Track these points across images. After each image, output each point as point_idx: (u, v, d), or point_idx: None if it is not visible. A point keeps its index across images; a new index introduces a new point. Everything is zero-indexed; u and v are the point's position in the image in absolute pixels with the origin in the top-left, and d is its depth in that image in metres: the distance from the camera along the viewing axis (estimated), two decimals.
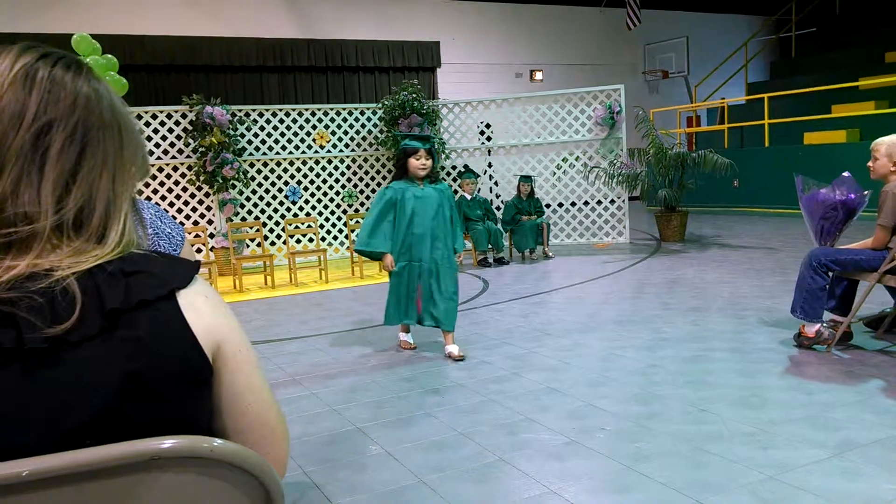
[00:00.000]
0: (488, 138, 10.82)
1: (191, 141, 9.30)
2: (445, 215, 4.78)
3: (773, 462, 2.85)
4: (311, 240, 9.94)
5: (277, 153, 9.98)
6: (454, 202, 4.83)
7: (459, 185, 9.83)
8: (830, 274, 4.42)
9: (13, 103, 0.88)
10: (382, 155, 10.61)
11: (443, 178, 10.85)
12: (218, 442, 0.88)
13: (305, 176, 10.18)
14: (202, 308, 0.94)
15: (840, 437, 3.06)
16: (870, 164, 4.41)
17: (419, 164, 4.70)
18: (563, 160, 10.36)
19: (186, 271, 0.95)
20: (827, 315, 4.53)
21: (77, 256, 0.89)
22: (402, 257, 4.75)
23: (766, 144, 13.69)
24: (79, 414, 0.84)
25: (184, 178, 9.38)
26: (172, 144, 9.35)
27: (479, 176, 9.83)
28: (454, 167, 10.83)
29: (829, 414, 3.34)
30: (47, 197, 0.88)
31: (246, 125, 9.71)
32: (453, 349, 4.71)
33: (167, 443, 0.85)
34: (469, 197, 9.14)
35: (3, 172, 0.87)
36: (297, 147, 10.11)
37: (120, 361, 0.86)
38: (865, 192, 4.51)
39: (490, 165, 10.87)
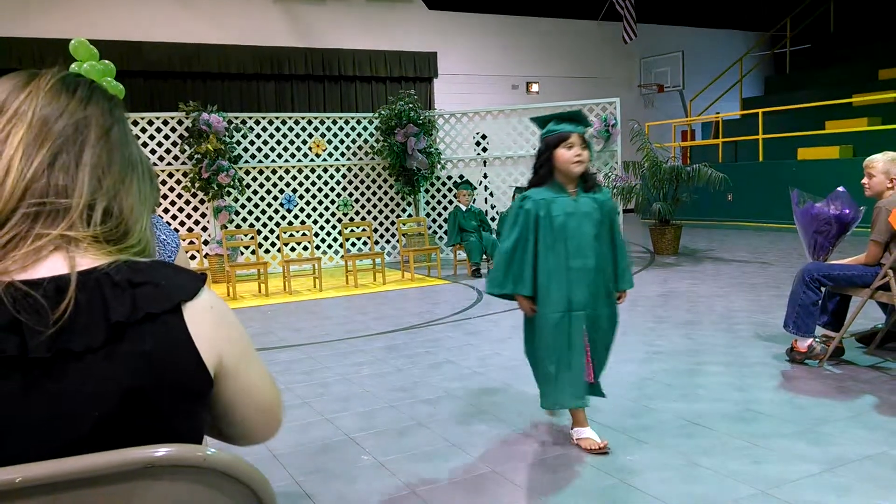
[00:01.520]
0: (484, 149, 10.85)
1: (187, 147, 9.30)
2: (607, 238, 3.24)
3: (764, 476, 2.85)
4: (305, 248, 9.93)
5: (273, 161, 9.98)
6: (618, 219, 3.31)
7: (455, 196, 9.92)
8: (823, 289, 4.44)
9: (56, 99, 0.96)
10: (378, 164, 10.62)
11: (439, 189, 10.89)
12: (211, 451, 0.88)
13: (301, 184, 10.18)
14: (207, 321, 0.94)
15: (832, 452, 3.07)
16: (864, 181, 4.42)
17: (572, 156, 3.10)
18: None
19: (193, 283, 0.95)
20: (819, 330, 4.55)
21: (95, 248, 0.92)
22: (553, 303, 3.18)
23: (760, 159, 13.75)
24: (79, 426, 0.84)
25: (179, 184, 9.37)
26: (168, 151, 9.34)
27: (475, 188, 9.89)
28: (449, 177, 10.85)
29: (821, 429, 3.34)
30: (83, 180, 0.93)
31: (242, 132, 9.71)
32: (591, 437, 3.24)
33: (160, 451, 0.85)
34: (464, 208, 9.23)
35: (43, 147, 0.92)
36: (292, 155, 10.12)
37: (123, 376, 0.86)
38: (860, 209, 4.53)
39: (485, 176, 10.89)
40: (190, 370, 0.91)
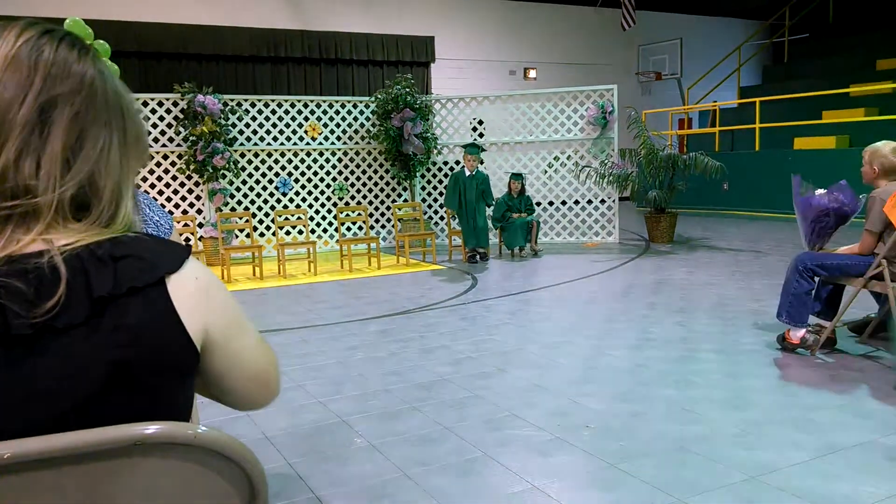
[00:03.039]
0: (480, 135, 10.82)
1: (182, 129, 9.26)
2: None
3: (755, 463, 2.87)
4: (300, 232, 9.91)
5: (269, 144, 9.94)
6: None
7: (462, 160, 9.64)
8: (816, 279, 4.45)
9: (18, 75, 0.87)
10: (374, 149, 10.59)
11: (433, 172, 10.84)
12: (202, 429, 0.88)
13: (296, 168, 10.15)
14: (192, 293, 0.93)
15: (822, 439, 3.09)
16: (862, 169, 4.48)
17: None
18: (554, 158, 10.37)
19: (177, 255, 0.94)
20: (812, 319, 4.56)
21: (76, 236, 0.88)
22: None
23: (757, 148, 13.75)
24: (62, 402, 0.83)
25: (174, 166, 9.33)
26: (163, 132, 9.29)
27: (484, 150, 9.60)
28: (445, 163, 10.82)
29: (812, 416, 3.36)
30: (49, 171, 0.87)
31: (238, 115, 9.66)
32: None
33: (150, 428, 0.84)
34: (468, 173, 8.85)
35: (8, 142, 0.86)
36: (288, 138, 10.08)
37: (107, 350, 0.84)
38: (861, 197, 4.53)
39: (482, 162, 10.85)
40: (175, 343, 0.90)
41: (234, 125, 9.63)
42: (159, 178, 9.29)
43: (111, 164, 0.93)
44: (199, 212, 9.49)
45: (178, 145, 9.32)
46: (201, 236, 9.15)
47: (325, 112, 10.32)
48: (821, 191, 4.57)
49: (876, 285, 4.27)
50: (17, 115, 0.86)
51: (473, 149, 8.93)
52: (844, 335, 4.72)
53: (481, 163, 10.78)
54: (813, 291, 4.43)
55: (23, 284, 0.82)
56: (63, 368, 0.83)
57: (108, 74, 0.96)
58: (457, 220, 9.15)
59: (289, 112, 10.07)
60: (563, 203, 10.52)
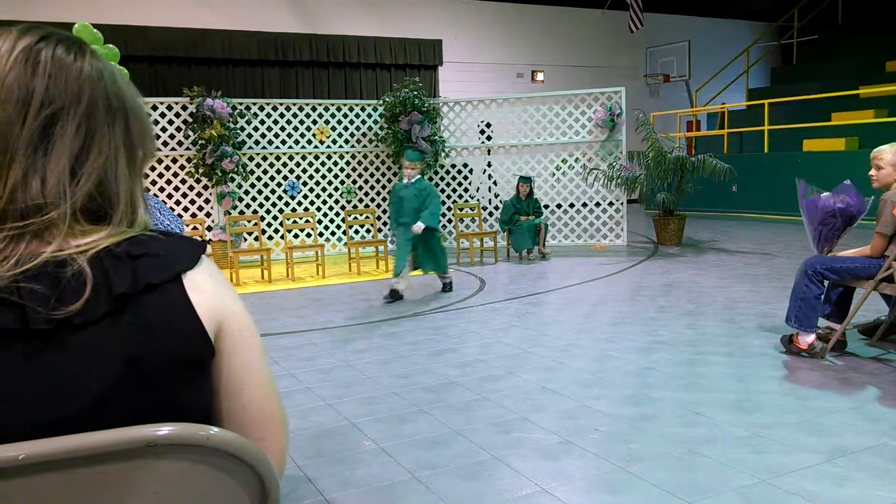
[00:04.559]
0: (488, 137, 10.82)
1: (190, 133, 9.29)
2: None
3: (764, 466, 2.86)
4: (308, 235, 9.93)
5: (277, 147, 9.97)
6: None
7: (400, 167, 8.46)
8: (826, 282, 4.42)
9: (18, 89, 0.86)
10: (382, 152, 10.60)
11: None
12: (214, 430, 0.88)
13: (305, 171, 10.17)
14: (206, 288, 0.94)
15: (832, 442, 3.07)
16: (872, 173, 4.37)
17: None
18: (562, 161, 10.37)
19: (193, 252, 0.95)
20: (822, 322, 4.54)
21: (92, 237, 0.89)
22: None
23: (766, 150, 13.70)
24: (78, 399, 0.84)
25: (183, 170, 9.37)
26: (172, 136, 9.33)
27: (425, 153, 8.80)
28: (453, 165, 10.83)
29: (822, 420, 3.35)
30: (57, 186, 0.87)
31: (246, 118, 9.70)
32: None
33: (163, 430, 0.85)
34: (406, 181, 6.85)
35: (14, 162, 0.85)
36: (296, 142, 10.11)
37: (124, 346, 0.85)
38: (867, 199, 4.50)
39: (489, 165, 10.87)
40: (191, 337, 0.91)
41: (242, 129, 9.67)
42: (168, 182, 9.33)
43: (119, 169, 0.93)
44: (208, 215, 9.53)
45: (188, 149, 9.36)
46: (210, 239, 9.18)
47: (333, 115, 10.35)
48: (826, 193, 4.54)
49: (886, 287, 4.25)
50: (21, 135, 0.85)
51: (413, 154, 7.06)
52: (855, 338, 4.70)
53: (489, 165, 10.81)
54: (822, 295, 4.41)
55: (41, 287, 0.83)
56: (80, 365, 0.83)
57: (109, 71, 0.94)
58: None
59: (297, 115, 10.10)
60: (572, 206, 10.51)
